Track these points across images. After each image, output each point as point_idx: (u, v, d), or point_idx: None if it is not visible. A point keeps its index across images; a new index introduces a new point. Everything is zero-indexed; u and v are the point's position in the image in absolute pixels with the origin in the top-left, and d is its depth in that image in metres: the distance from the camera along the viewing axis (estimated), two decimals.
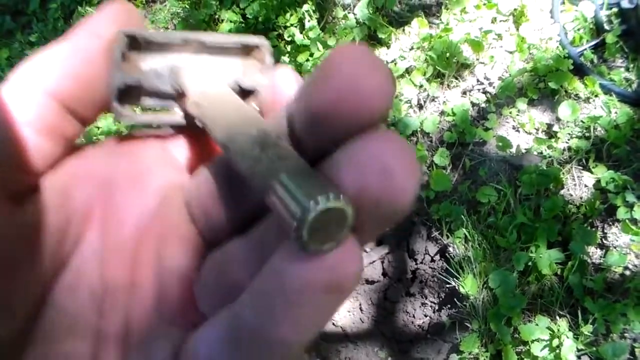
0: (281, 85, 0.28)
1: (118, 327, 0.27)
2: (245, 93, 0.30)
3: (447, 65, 2.16)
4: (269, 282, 0.21)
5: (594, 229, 1.84)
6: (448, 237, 1.89)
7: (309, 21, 2.40)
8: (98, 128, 2.35)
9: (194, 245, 0.29)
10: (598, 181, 1.91)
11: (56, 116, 0.26)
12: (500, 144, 2.02)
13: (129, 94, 0.27)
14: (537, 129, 2.06)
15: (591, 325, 1.68)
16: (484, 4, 2.30)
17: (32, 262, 0.24)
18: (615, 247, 1.80)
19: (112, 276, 0.27)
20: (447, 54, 2.17)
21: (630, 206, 1.81)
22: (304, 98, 0.22)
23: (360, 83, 0.20)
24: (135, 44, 0.27)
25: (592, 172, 1.94)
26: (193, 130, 0.30)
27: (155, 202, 0.29)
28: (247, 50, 0.31)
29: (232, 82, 0.30)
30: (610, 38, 2.14)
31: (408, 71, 2.22)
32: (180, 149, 0.31)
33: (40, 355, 0.25)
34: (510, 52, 2.21)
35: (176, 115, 0.30)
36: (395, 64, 2.25)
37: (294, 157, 0.22)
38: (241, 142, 0.24)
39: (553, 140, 2.02)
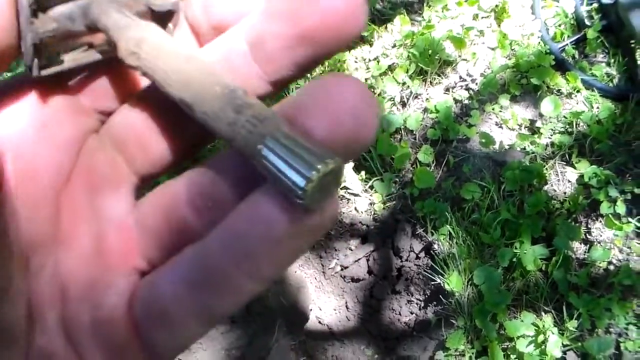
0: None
1: (50, 284, 0.25)
2: (159, 17, 0.28)
3: (429, 62, 2.16)
4: (249, 226, 0.22)
5: (577, 224, 1.85)
6: (433, 234, 1.89)
7: None
8: None
9: (129, 188, 0.28)
10: (581, 176, 1.92)
11: None
12: (484, 140, 2.02)
13: (45, 45, 0.25)
14: (520, 125, 2.07)
15: (576, 321, 1.69)
16: (466, 1, 2.30)
17: None
18: (599, 242, 1.81)
19: (35, 234, 0.25)
20: (430, 51, 2.17)
21: (613, 201, 1.82)
22: (288, 18, 0.24)
23: (345, 5, 0.23)
24: None
25: (575, 168, 1.94)
26: (109, 66, 0.28)
27: (70, 153, 0.27)
28: None
29: (143, 7, 0.28)
30: (591, 33, 2.15)
31: (391, 69, 2.21)
32: (88, 92, 0.28)
33: None
34: (492, 49, 2.22)
35: (94, 53, 0.28)
36: (378, 61, 2.24)
37: (273, 117, 0.22)
38: (208, 102, 0.23)
39: (536, 136, 2.03)
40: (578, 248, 1.83)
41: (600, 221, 1.84)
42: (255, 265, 0.22)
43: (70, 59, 0.27)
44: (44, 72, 0.25)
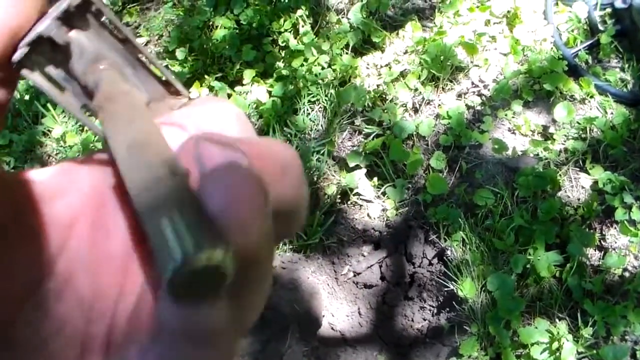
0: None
1: (103, 334, 0.26)
2: (171, 91, 0.28)
3: (441, 68, 2.16)
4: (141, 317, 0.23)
5: (592, 231, 1.83)
6: (446, 241, 1.88)
7: (302, 26, 2.40)
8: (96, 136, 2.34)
9: None
10: (595, 182, 1.90)
11: None
12: (496, 146, 2.01)
13: (43, 50, 0.24)
14: (533, 131, 2.06)
15: (591, 328, 1.68)
16: (477, 7, 2.30)
17: (8, 258, 0.24)
18: (613, 249, 1.80)
19: (103, 284, 0.27)
20: (442, 57, 2.17)
21: (629, 207, 1.81)
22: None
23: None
24: (83, 11, 0.24)
25: (589, 174, 1.93)
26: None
27: None
28: (168, 89, 0.28)
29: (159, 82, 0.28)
30: (604, 38, 2.14)
31: (403, 75, 2.21)
32: None
33: (24, 352, 0.25)
34: (505, 54, 2.21)
35: (68, 100, 0.27)
36: (389, 67, 2.24)
37: (187, 194, 0.21)
38: (140, 163, 0.22)
39: (549, 142, 2.02)
40: (592, 255, 1.82)
41: (615, 227, 1.83)
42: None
43: (49, 87, 0.26)
44: (24, 72, 0.25)
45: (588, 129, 2.00)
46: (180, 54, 2.52)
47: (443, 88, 2.18)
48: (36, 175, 0.26)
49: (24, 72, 0.25)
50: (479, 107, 2.12)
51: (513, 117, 2.08)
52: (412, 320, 1.84)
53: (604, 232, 1.83)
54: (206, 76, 2.42)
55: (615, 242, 1.81)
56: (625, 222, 1.80)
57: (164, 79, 0.28)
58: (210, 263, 0.19)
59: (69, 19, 0.24)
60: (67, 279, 0.26)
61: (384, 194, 2.03)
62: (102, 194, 0.27)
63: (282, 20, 2.43)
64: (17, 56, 0.24)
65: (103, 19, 0.25)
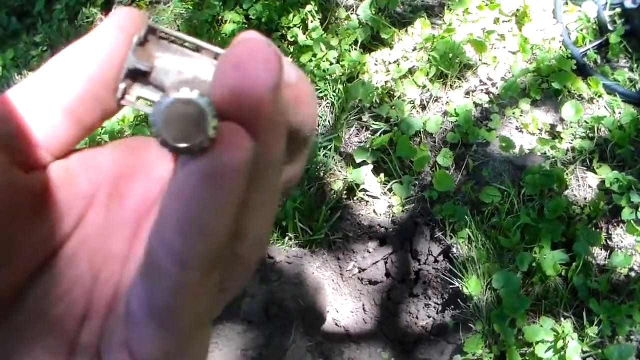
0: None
1: (109, 296, 0.28)
2: None
3: (450, 65, 2.16)
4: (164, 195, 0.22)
5: (598, 230, 1.83)
6: (452, 238, 1.88)
7: (312, 22, 2.40)
8: (102, 128, 2.35)
9: None
10: (602, 182, 1.90)
11: (82, 100, 0.26)
12: (504, 144, 2.01)
13: (135, 79, 0.27)
14: (541, 130, 2.05)
15: (597, 327, 1.67)
16: (487, 5, 2.29)
17: (34, 223, 0.26)
18: (620, 249, 1.79)
19: (114, 250, 0.28)
20: (450, 55, 2.17)
21: (636, 207, 1.80)
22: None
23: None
24: (154, 37, 0.28)
25: (596, 173, 1.93)
26: None
27: (158, 188, 0.30)
28: None
29: None
30: (613, 38, 2.13)
31: (411, 72, 2.21)
32: None
33: (31, 314, 0.26)
34: (513, 53, 2.21)
35: None
36: (398, 64, 2.24)
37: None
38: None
39: (557, 140, 2.01)
40: (599, 254, 1.82)
41: (622, 227, 1.82)
42: (165, 233, 0.22)
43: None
44: (123, 102, 0.27)
45: (596, 129, 1.99)
46: None
47: (451, 85, 2.18)
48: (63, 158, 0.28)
49: (127, 102, 0.28)
50: (486, 105, 2.12)
51: (521, 115, 2.08)
52: (417, 318, 1.84)
53: (610, 232, 1.83)
54: None
55: (622, 242, 1.80)
56: (632, 221, 1.79)
57: None
58: (181, 98, 0.21)
59: (144, 47, 0.27)
60: (81, 245, 0.27)
61: (390, 190, 2.03)
62: (120, 171, 0.29)
63: (291, 16, 2.43)
64: (119, 92, 0.27)
65: (171, 38, 0.28)
